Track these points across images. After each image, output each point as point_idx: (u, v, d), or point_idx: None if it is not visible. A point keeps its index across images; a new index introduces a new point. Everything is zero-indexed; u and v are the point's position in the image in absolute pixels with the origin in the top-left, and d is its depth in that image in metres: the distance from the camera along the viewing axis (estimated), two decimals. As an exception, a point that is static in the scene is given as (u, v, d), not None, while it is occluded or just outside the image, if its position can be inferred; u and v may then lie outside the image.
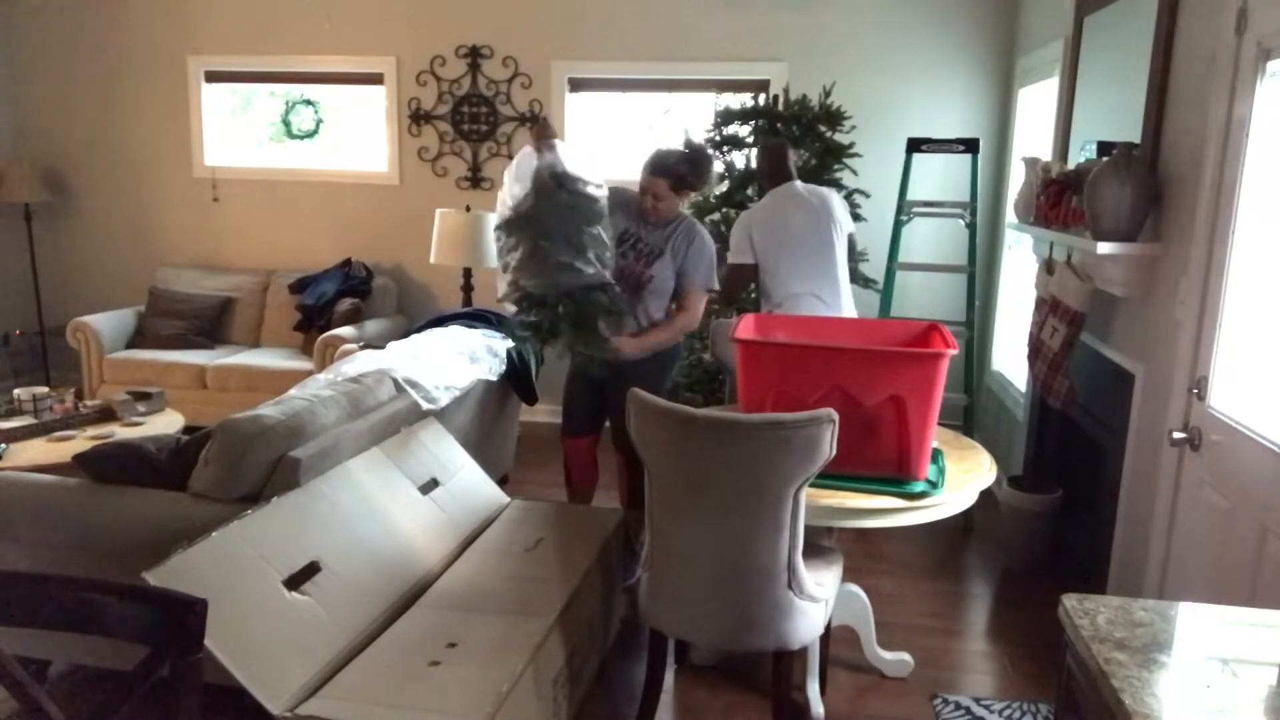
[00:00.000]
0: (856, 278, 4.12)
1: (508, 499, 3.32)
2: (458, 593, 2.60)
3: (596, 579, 2.84)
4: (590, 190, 3.13)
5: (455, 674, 2.18)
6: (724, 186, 4.66)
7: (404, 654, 2.26)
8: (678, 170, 3.34)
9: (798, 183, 3.77)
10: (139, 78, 5.84)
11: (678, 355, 3.65)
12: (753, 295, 4.09)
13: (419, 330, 4.17)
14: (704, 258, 3.42)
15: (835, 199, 3.80)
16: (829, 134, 4.61)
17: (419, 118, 5.58)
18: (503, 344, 4.08)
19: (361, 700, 2.07)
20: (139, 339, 5.45)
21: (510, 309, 3.32)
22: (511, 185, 3.10)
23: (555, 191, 3.04)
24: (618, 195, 3.38)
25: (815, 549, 2.59)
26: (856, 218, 4.31)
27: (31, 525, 2.63)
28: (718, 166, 4.55)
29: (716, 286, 3.58)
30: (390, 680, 2.15)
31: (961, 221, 4.55)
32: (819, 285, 3.66)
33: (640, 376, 3.02)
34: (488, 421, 4.07)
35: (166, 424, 4.03)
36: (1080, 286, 3.16)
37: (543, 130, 3.18)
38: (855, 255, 4.05)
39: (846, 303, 3.74)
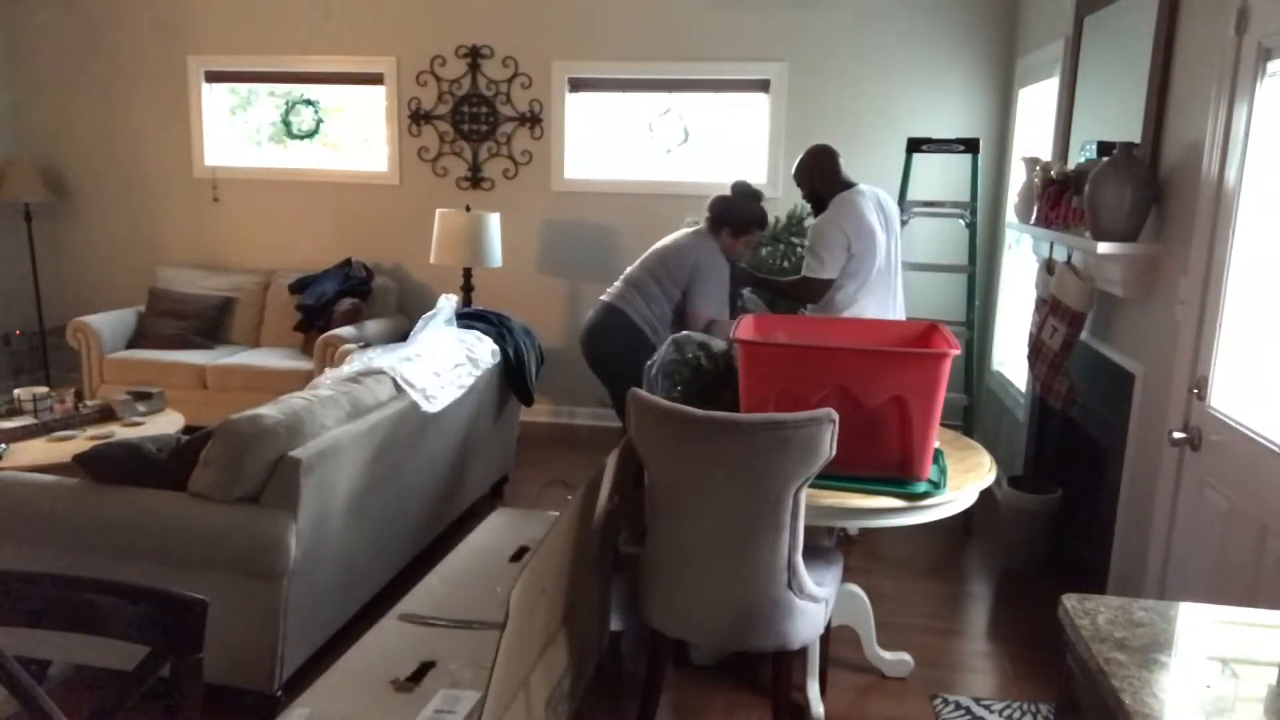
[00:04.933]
0: None
1: None
2: (443, 601, 2.59)
3: (591, 582, 2.84)
4: None
5: (451, 679, 2.17)
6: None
7: (383, 665, 2.25)
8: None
9: (863, 187, 3.66)
10: (139, 78, 5.84)
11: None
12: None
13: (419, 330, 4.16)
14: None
15: (895, 206, 3.75)
16: None
17: (419, 118, 5.58)
18: (502, 344, 4.08)
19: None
20: (139, 339, 5.45)
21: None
22: None
23: None
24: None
25: (815, 549, 2.58)
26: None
27: (31, 525, 2.63)
28: None
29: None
30: (373, 694, 2.14)
31: (961, 221, 4.55)
32: (889, 305, 3.69)
33: None
34: (488, 421, 4.07)
35: (166, 424, 4.03)
36: (1080, 286, 3.16)
37: None
38: None
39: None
